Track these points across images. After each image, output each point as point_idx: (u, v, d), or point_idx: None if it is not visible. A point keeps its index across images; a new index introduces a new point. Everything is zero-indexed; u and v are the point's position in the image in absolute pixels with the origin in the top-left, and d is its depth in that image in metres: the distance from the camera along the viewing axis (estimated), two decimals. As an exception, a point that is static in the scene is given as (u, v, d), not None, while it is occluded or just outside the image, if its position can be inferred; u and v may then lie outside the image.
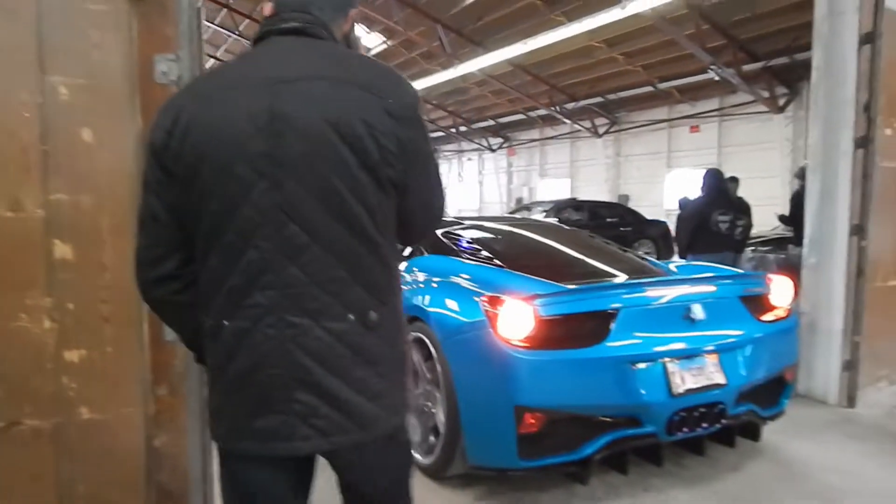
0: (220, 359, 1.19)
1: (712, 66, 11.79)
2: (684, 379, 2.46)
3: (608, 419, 2.41)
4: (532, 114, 18.27)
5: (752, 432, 2.85)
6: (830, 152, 3.71)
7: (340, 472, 1.28)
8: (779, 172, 13.10)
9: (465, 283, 2.71)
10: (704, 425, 2.51)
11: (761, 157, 13.59)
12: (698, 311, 2.55)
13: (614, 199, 16.00)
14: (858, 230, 3.64)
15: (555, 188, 19.76)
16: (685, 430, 2.47)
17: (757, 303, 2.80)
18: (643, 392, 2.38)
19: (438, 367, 2.59)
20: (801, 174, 5.98)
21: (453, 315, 2.57)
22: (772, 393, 2.87)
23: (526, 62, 14.79)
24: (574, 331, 2.37)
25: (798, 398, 3.85)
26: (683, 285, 2.59)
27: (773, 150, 13.50)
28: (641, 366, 2.40)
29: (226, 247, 1.15)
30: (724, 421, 2.57)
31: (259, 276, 1.14)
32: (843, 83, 3.63)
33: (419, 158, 1.20)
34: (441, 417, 2.59)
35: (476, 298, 2.48)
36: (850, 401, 3.70)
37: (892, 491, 2.63)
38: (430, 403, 2.73)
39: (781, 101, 13.09)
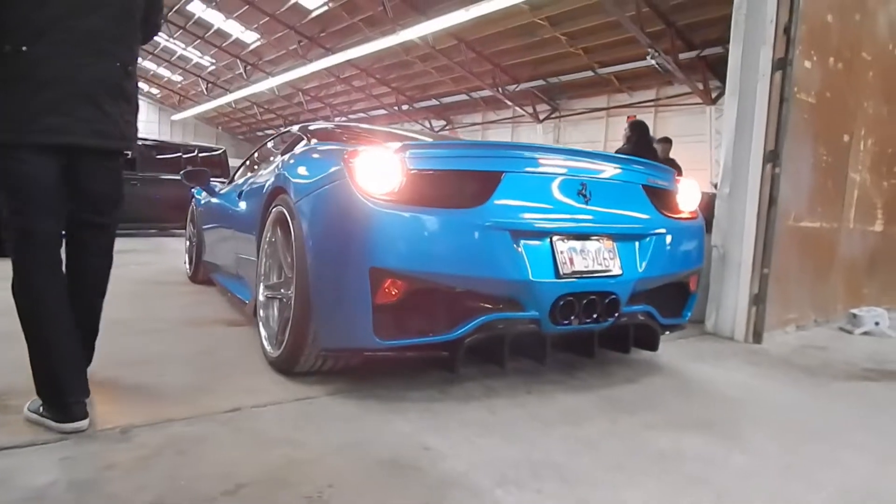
0: (19, 75, 1.61)
1: (651, 48, 11.80)
2: (573, 260, 2.17)
3: (483, 296, 2.08)
4: (475, 94, 18.02)
5: (650, 340, 2.60)
6: (748, 75, 3.54)
7: (90, 174, 1.81)
8: (707, 165, 13.34)
9: (334, 148, 2.33)
10: (594, 316, 2.22)
11: (692, 149, 13.79)
12: (596, 189, 2.27)
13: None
14: (773, 157, 3.48)
15: (494, 173, 19.56)
16: (572, 318, 2.17)
17: (661, 197, 2.55)
18: (525, 268, 2.07)
19: (293, 235, 2.20)
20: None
21: (311, 173, 2.19)
22: (673, 300, 2.63)
23: (469, 36, 14.54)
24: (449, 190, 2.03)
25: (705, 335, 3.69)
26: (582, 159, 2.29)
27: (704, 142, 13.75)
28: (525, 238, 2.09)
29: None
30: (616, 315, 2.29)
31: (64, 18, 1.63)
32: (763, 2, 3.46)
33: None
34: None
35: (339, 156, 2.10)
36: (757, 337, 3.54)
37: (785, 402, 2.45)
38: (290, 292, 2.33)
39: (714, 94, 13.34)
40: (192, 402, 2.00)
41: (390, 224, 1.91)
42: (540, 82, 15.90)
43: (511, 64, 15.79)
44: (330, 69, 18.67)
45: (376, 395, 2.18)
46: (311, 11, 15.91)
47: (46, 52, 1.61)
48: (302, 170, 2.29)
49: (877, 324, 3.97)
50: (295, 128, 3.65)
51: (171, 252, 7.22)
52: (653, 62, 12.46)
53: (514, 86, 16.45)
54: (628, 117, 15.62)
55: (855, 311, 4.11)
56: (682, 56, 12.36)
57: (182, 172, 4.27)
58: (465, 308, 2.07)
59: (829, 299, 4.32)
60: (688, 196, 2.67)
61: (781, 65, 3.44)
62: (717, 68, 12.86)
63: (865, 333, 3.97)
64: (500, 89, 16.62)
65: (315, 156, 2.34)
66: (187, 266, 4.91)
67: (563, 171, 2.23)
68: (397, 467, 1.62)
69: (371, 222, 1.90)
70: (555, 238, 2.15)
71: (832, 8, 3.83)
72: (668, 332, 2.68)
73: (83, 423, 1.69)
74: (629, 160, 2.45)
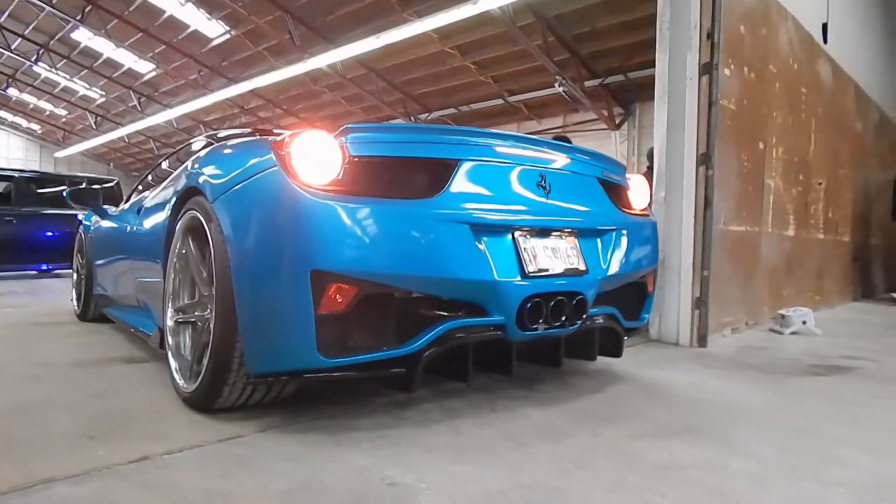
0: None
1: (558, 76, 12.20)
2: (538, 257, 1.95)
3: (442, 301, 1.81)
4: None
5: (614, 346, 2.42)
6: (676, 80, 3.57)
7: None
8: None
9: (258, 138, 2.01)
10: (563, 319, 2.00)
11: (601, 173, 14.31)
12: (555, 181, 2.08)
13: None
14: (705, 159, 3.50)
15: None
16: (540, 323, 1.94)
17: (615, 192, 2.41)
18: (489, 267, 1.82)
19: (210, 242, 1.83)
20: (651, 155, 6.03)
21: (233, 167, 1.84)
22: (632, 301, 2.47)
23: (379, 66, 14.48)
24: (398, 179, 1.77)
25: (650, 342, 3.60)
26: (540, 148, 2.10)
27: (611, 166, 14.34)
28: (487, 234, 1.85)
29: None
30: (584, 318, 2.09)
31: None
32: (686, 9, 3.52)
33: None
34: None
35: (266, 145, 1.78)
36: (702, 340, 3.49)
37: (744, 400, 2.35)
38: (207, 312, 1.95)
39: (618, 120, 14.01)
40: (81, 455, 1.57)
41: (333, 218, 1.60)
42: (451, 111, 16.08)
43: (422, 93, 15.87)
44: (233, 99, 17.96)
45: (319, 427, 1.83)
46: (211, 40, 15.26)
47: None
48: (220, 165, 1.94)
49: (804, 322, 4.07)
50: (200, 138, 3.24)
51: (55, 292, 6.38)
52: (561, 90, 12.91)
53: (426, 114, 16.53)
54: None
55: (783, 311, 4.20)
56: (587, 84, 12.91)
57: (67, 192, 3.71)
58: (423, 316, 1.80)
59: (756, 302, 4.40)
60: (640, 192, 2.55)
61: (707, 69, 3.49)
62: (619, 96, 13.61)
63: (794, 333, 4.05)
64: (412, 118, 16.63)
65: (233, 150, 1.99)
66: (75, 303, 4.27)
67: (522, 160, 2.02)
68: (361, 512, 1.29)
69: (310, 217, 1.59)
70: (517, 234, 1.93)
71: (744, 20, 3.98)
72: (627, 337, 2.51)
73: None
74: (585, 151, 2.29)
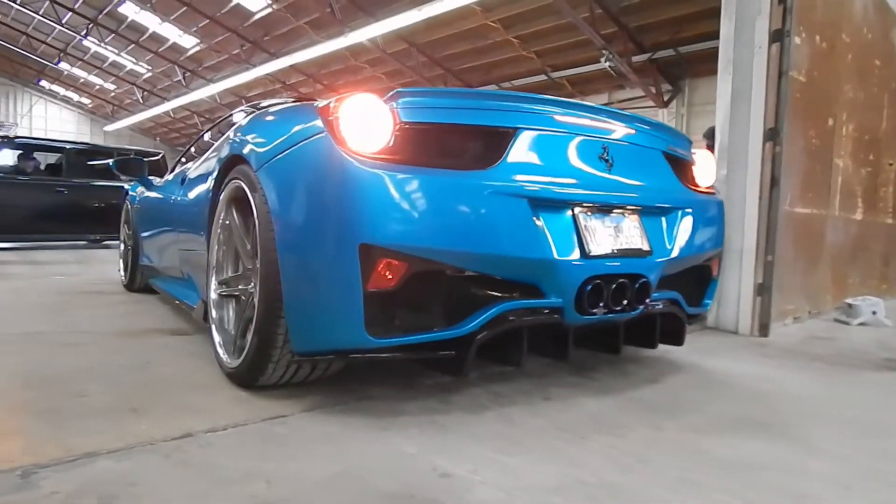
0: None
1: (605, 50, 11.77)
2: (599, 236, 1.81)
3: (496, 281, 1.69)
4: (427, 101, 17.72)
5: (676, 333, 2.26)
6: (742, 48, 3.32)
7: None
8: (662, 166, 13.43)
9: (304, 103, 1.92)
10: (624, 304, 1.87)
11: (646, 152, 13.86)
12: (618, 154, 1.93)
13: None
14: (773, 135, 3.26)
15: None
16: (601, 306, 1.81)
17: (681, 168, 2.24)
18: (548, 245, 1.69)
19: (254, 212, 1.76)
20: (709, 134, 5.75)
21: (279, 134, 1.76)
22: (696, 286, 2.32)
23: (420, 40, 14.27)
24: (452, 148, 1.65)
25: (706, 330, 3.42)
26: (603, 117, 1.95)
27: (658, 144, 13.86)
28: (545, 209, 1.72)
29: None
30: (647, 302, 1.95)
31: None
32: (758, -30, 3.26)
33: None
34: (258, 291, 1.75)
35: (312, 110, 1.69)
36: (763, 329, 3.29)
37: (814, 393, 2.17)
38: (251, 286, 1.89)
39: (666, 97, 13.50)
40: (123, 428, 1.53)
41: (383, 189, 1.50)
42: (492, 87, 15.75)
43: (463, 68, 15.59)
44: (275, 75, 18.04)
45: (365, 409, 1.76)
46: (253, 14, 15.29)
47: None
48: (264, 132, 1.85)
49: (874, 313, 3.81)
50: (241, 108, 3.18)
51: (104, 262, 6.52)
52: (607, 65, 12.46)
53: (467, 91, 16.25)
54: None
55: (850, 300, 3.94)
56: (634, 59, 12.44)
57: (113, 161, 3.72)
58: (476, 296, 1.69)
59: (819, 289, 4.15)
60: (706, 168, 2.37)
61: (778, 36, 3.23)
62: (667, 71, 13.08)
63: (862, 324, 3.79)
64: (452, 95, 16.38)
65: (277, 117, 1.91)
66: (122, 273, 4.32)
67: (583, 130, 1.87)
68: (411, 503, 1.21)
69: (360, 186, 1.49)
70: (577, 210, 1.79)
71: (818, -17, 3.68)
72: (689, 324, 2.36)
73: None
74: (650, 122, 2.12)
